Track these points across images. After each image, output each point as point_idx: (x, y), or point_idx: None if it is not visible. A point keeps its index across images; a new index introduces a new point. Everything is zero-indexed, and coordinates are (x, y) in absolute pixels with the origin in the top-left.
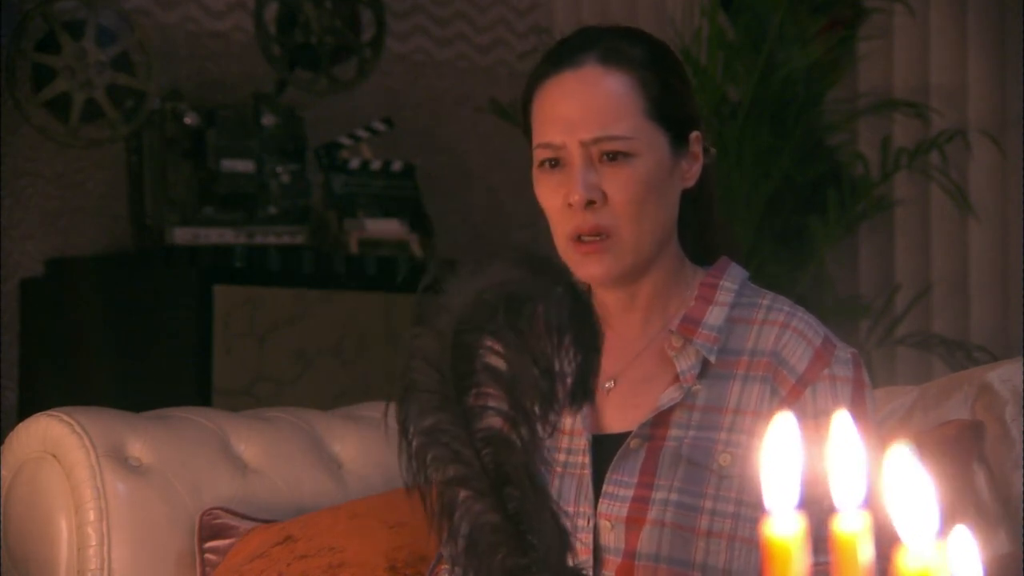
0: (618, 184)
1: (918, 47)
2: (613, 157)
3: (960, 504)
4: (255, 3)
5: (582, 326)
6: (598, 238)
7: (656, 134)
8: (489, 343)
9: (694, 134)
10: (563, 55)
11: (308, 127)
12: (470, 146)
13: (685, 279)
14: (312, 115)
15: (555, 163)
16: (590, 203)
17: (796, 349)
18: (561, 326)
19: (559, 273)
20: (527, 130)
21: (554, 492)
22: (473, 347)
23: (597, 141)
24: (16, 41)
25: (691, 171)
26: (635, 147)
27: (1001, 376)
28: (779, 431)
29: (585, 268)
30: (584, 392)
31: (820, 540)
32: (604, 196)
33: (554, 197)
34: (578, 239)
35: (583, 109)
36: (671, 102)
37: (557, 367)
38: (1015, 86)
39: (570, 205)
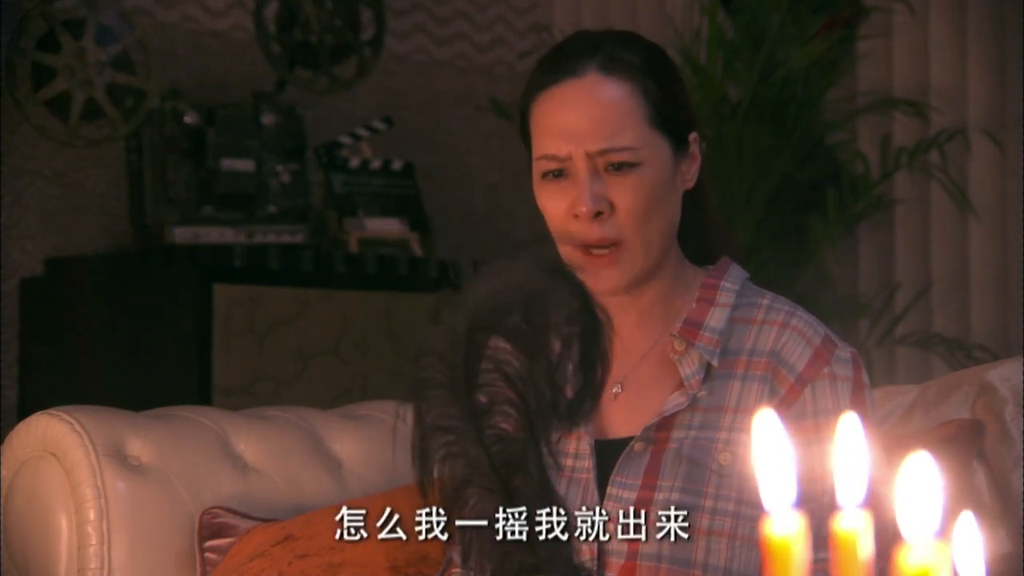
0: (625, 194)
1: (918, 46)
2: (619, 167)
3: (960, 503)
4: (255, 2)
5: (593, 336)
6: (607, 249)
7: (659, 141)
8: (501, 343)
9: (692, 135)
10: (562, 63)
11: (308, 126)
12: (470, 145)
13: (687, 281)
14: (312, 114)
15: (559, 173)
16: (598, 214)
17: (795, 348)
18: (571, 334)
19: (575, 281)
20: (524, 136)
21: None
22: (484, 346)
23: (603, 152)
24: (16, 40)
25: (691, 172)
26: (641, 156)
27: (1001, 375)
28: (768, 430)
29: (597, 279)
30: (582, 410)
31: (819, 537)
32: (611, 206)
33: (558, 207)
34: (586, 249)
35: (588, 119)
36: (672, 107)
37: (562, 376)
38: (1015, 85)
39: (576, 216)
